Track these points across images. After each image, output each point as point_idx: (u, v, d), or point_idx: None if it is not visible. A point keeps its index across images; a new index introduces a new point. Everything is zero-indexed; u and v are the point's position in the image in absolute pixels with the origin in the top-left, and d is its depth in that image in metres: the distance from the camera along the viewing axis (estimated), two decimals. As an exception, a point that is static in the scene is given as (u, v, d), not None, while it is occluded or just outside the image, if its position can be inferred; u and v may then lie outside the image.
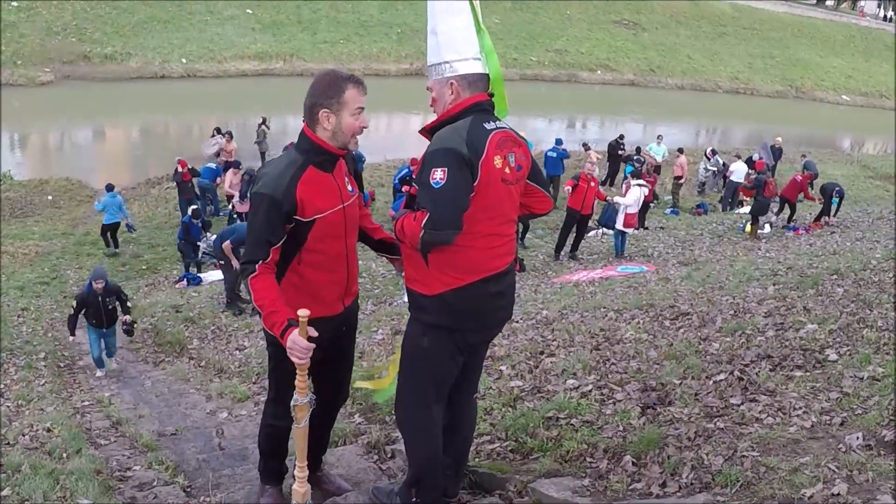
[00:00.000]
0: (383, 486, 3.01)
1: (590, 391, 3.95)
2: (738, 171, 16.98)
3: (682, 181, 17.64)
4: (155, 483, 3.56)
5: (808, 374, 3.65)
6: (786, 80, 40.46)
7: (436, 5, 2.51)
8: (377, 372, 4.04)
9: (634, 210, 12.02)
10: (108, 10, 29.89)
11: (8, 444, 4.56)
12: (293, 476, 2.67)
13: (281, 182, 2.48)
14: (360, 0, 35.17)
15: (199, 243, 12.68)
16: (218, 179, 15.73)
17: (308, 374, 2.49)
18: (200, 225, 12.67)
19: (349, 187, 2.70)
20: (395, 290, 9.53)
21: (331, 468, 3.35)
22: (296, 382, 2.47)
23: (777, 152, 20.13)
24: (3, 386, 7.08)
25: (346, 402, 3.64)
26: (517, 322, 6.41)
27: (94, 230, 14.32)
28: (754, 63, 41.07)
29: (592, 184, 11.71)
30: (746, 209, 14.98)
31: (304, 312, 2.35)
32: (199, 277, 12.35)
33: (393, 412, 3.03)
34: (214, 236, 11.24)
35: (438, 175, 2.30)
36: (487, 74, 2.53)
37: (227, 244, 9.57)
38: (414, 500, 2.72)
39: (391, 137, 20.73)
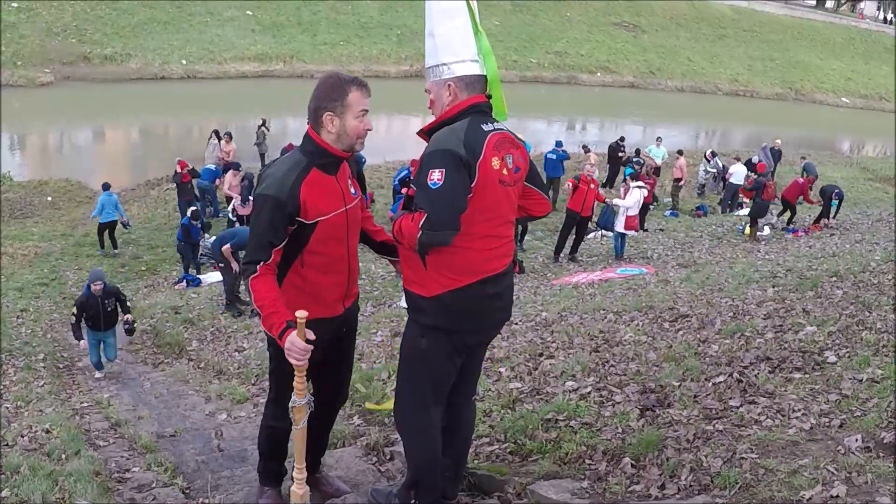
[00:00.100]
0: (382, 488, 3.01)
1: (589, 393, 3.95)
2: (738, 174, 17.00)
3: (681, 183, 17.64)
4: (154, 484, 3.56)
5: (807, 376, 3.65)
6: (785, 83, 40.52)
7: (433, 8, 2.51)
8: (383, 395, 4.09)
9: (635, 212, 12.03)
10: (108, 11, 29.91)
11: (7, 445, 4.56)
12: (292, 478, 2.67)
13: (285, 184, 2.48)
14: (360, 1, 35.22)
15: (198, 244, 12.68)
16: (217, 181, 15.73)
17: (307, 376, 2.49)
18: (200, 226, 12.66)
19: (352, 190, 2.70)
20: (394, 292, 9.52)
21: (329, 470, 3.34)
22: (294, 384, 2.48)
23: (776, 154, 20.15)
24: (2, 387, 7.07)
25: (346, 403, 3.65)
26: (516, 324, 6.41)
27: (93, 231, 14.30)
28: (754, 65, 41.12)
29: (592, 185, 11.72)
30: (746, 211, 14.99)
31: (301, 314, 2.36)
32: (199, 279, 12.34)
33: (392, 414, 3.03)
34: (213, 238, 11.23)
35: (436, 176, 2.30)
36: (485, 76, 2.53)
37: (226, 247, 9.58)
38: (413, 502, 2.72)
39: (391, 139, 20.74)
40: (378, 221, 2.98)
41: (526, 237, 13.41)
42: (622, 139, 18.95)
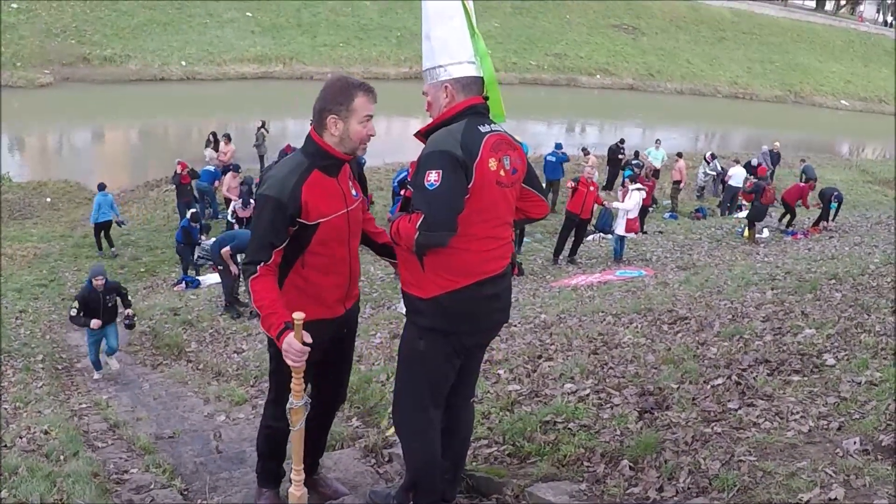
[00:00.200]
0: (380, 490, 3.01)
1: (587, 395, 3.95)
2: (737, 176, 17.01)
3: (680, 186, 17.66)
4: (152, 486, 3.56)
5: (805, 378, 3.65)
6: (785, 85, 40.55)
7: (429, 10, 2.52)
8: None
9: (635, 214, 12.04)
10: (107, 13, 29.91)
11: (5, 446, 4.56)
12: (290, 479, 2.67)
13: (286, 185, 2.49)
14: (359, 2, 35.23)
15: (197, 245, 12.67)
16: (216, 182, 15.73)
17: (306, 378, 2.49)
18: (199, 228, 12.66)
19: (353, 192, 2.71)
20: (393, 295, 9.52)
21: (328, 472, 3.35)
22: (291, 385, 2.48)
23: (775, 157, 20.17)
24: (0, 388, 7.06)
25: (344, 405, 3.65)
26: (515, 326, 6.41)
27: (92, 232, 14.31)
28: (753, 68, 41.15)
29: (592, 188, 11.73)
30: (745, 213, 15.01)
31: (299, 315, 2.36)
32: (198, 280, 12.33)
33: (391, 416, 3.03)
34: (212, 240, 11.22)
35: (433, 177, 2.31)
36: (482, 78, 2.54)
37: (225, 250, 9.57)
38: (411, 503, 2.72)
39: (390, 141, 20.70)
40: (377, 223, 2.98)
41: (525, 240, 13.41)
42: (622, 141, 18.96)
